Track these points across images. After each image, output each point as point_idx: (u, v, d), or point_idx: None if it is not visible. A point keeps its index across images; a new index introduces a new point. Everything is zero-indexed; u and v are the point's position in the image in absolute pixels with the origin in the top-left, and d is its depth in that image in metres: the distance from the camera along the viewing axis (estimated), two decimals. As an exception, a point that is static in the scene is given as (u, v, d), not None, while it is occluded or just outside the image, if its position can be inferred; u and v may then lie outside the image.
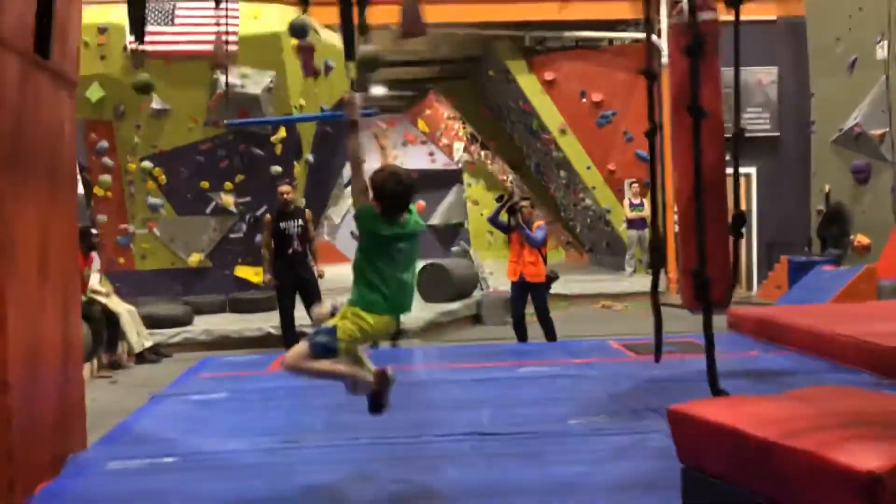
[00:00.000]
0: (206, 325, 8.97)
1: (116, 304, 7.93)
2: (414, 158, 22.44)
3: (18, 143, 3.79)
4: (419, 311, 9.39)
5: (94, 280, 7.81)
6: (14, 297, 3.71)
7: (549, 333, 7.40)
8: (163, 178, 10.57)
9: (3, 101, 3.62)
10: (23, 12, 3.82)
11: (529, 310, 7.40)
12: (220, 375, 5.79)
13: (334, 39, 11.90)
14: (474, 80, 16.97)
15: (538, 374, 5.33)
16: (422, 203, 22.38)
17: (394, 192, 3.33)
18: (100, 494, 3.35)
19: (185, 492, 3.25)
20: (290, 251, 8.02)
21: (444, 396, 4.84)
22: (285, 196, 8.07)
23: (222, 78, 10.28)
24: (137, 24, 3.62)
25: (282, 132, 10.62)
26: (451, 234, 22.10)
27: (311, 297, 8.17)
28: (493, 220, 7.45)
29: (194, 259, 10.77)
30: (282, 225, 8.03)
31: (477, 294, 10.61)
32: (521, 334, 7.46)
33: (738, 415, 2.64)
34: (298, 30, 9.07)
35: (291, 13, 10.43)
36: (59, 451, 4.10)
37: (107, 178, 10.54)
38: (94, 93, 10.01)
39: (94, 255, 7.77)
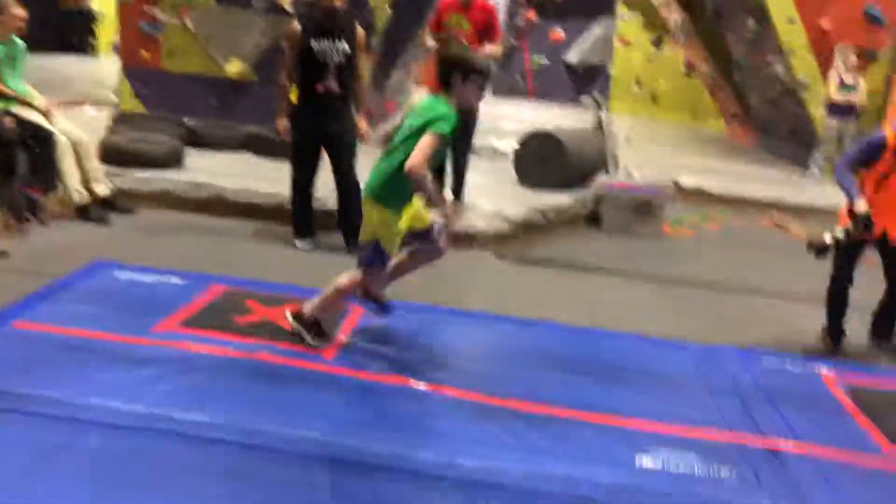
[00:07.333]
0: (200, 171, 6.34)
1: (60, 127, 5.35)
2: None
3: None
4: (507, 202, 6.41)
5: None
6: None
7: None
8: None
9: None
10: None
11: None
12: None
13: None
14: None
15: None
16: (560, 33, 18.59)
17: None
18: None
19: None
20: (322, 88, 5.11)
21: None
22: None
23: None
24: None
25: None
26: (587, 77, 18.35)
27: (342, 160, 5.33)
28: None
29: (233, 68, 8.04)
30: (314, 45, 5.07)
31: (602, 181, 7.39)
32: (835, 329, 4.31)
33: None
34: None
35: None
36: None
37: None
38: None
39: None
